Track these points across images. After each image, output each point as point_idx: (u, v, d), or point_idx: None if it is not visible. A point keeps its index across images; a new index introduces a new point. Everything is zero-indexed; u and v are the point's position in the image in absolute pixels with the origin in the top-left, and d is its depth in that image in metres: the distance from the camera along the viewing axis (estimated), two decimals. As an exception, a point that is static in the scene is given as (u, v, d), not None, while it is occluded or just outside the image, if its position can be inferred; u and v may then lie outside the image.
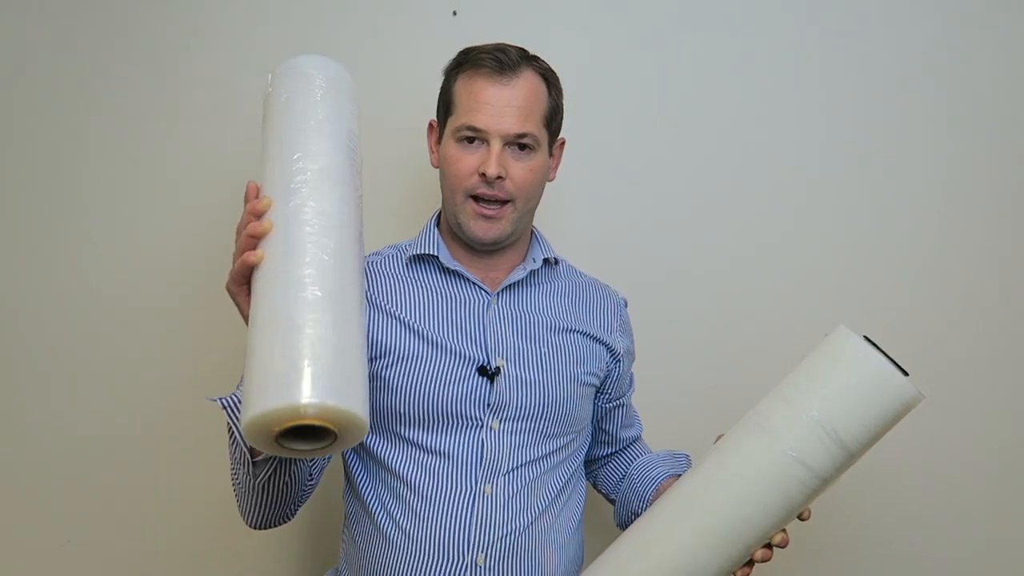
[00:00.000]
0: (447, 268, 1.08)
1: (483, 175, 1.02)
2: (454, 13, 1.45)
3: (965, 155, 1.42)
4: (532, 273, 1.11)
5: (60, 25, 1.47)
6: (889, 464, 1.42)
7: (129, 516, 1.48)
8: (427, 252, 1.09)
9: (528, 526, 1.03)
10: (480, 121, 1.02)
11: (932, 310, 1.42)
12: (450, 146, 1.05)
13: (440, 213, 1.15)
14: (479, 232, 1.05)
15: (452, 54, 1.12)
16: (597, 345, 1.13)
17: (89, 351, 1.48)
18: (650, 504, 1.08)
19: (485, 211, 1.04)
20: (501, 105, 1.02)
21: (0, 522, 1.49)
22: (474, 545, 1.00)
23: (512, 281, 1.09)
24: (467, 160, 1.03)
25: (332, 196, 0.87)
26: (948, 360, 1.42)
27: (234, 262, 0.86)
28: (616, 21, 1.45)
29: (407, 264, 1.10)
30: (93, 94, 1.47)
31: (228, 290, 0.88)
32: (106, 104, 1.47)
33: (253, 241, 0.84)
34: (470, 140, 1.03)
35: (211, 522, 1.47)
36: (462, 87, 1.05)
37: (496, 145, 1.02)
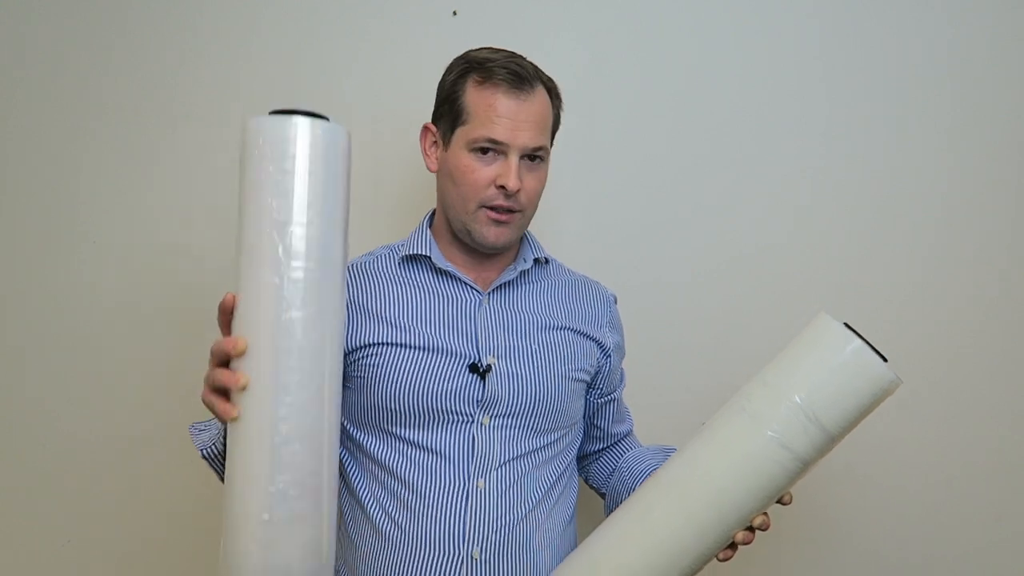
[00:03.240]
0: (439, 268, 1.10)
1: (502, 187, 1.04)
2: (454, 13, 1.45)
3: (966, 156, 1.42)
4: (523, 273, 1.13)
5: (60, 26, 1.47)
6: (888, 464, 1.43)
7: (129, 516, 1.48)
8: (419, 252, 1.10)
9: (522, 519, 1.05)
10: (500, 134, 1.03)
11: (932, 310, 1.42)
12: (463, 156, 1.05)
13: (433, 213, 1.16)
14: (491, 237, 1.07)
15: (452, 54, 1.12)
16: (587, 341, 1.15)
17: (89, 351, 1.48)
18: None
19: (500, 217, 1.06)
20: (520, 119, 1.04)
21: (0, 522, 1.49)
22: (469, 539, 1.01)
23: (503, 281, 1.11)
24: (483, 171, 1.04)
25: (315, 330, 0.77)
26: (948, 360, 1.42)
27: (207, 391, 0.81)
28: (616, 21, 1.45)
29: (399, 264, 1.12)
30: (94, 95, 1.47)
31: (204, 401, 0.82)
32: (106, 105, 1.47)
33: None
34: (484, 152, 1.04)
35: (211, 521, 1.46)
36: (478, 98, 1.05)
37: (514, 158, 1.04)
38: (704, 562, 0.95)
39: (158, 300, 1.47)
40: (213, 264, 1.47)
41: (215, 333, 1.47)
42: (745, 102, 1.44)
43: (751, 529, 0.95)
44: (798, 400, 0.88)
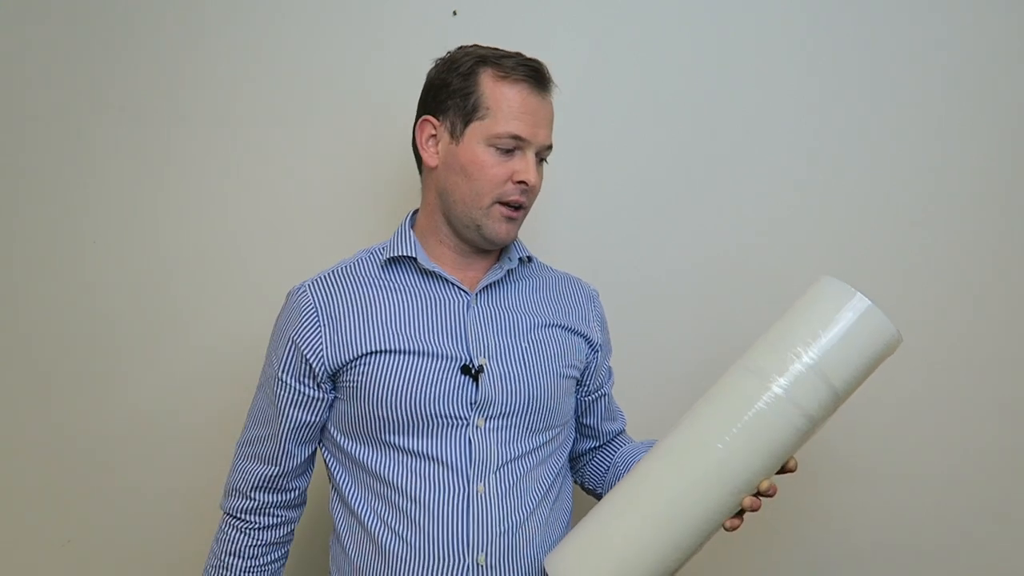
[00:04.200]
0: (424, 269, 1.08)
1: (522, 182, 1.05)
2: (454, 13, 1.45)
3: (966, 156, 1.42)
4: (508, 272, 1.13)
5: (63, 26, 1.47)
6: (888, 463, 1.43)
7: (129, 516, 1.48)
8: (404, 254, 1.08)
9: (524, 521, 1.04)
10: (526, 132, 1.04)
11: (931, 310, 1.42)
12: (479, 151, 1.04)
13: (415, 214, 1.14)
14: (503, 233, 1.07)
15: (452, 54, 1.12)
16: (576, 337, 1.15)
17: (89, 351, 1.48)
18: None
19: (512, 214, 1.07)
20: (540, 117, 1.06)
21: (0, 522, 1.49)
22: (474, 545, 1.00)
23: (491, 280, 1.10)
24: (501, 167, 1.04)
25: None
26: (948, 360, 1.42)
27: None
28: (616, 21, 1.45)
29: (383, 267, 1.10)
30: (95, 95, 1.47)
31: None
32: (108, 105, 1.47)
33: None
34: (508, 149, 1.05)
35: (210, 523, 1.47)
36: (499, 93, 1.04)
37: (531, 154, 1.05)
38: (712, 529, 0.92)
39: (158, 301, 1.47)
40: (214, 264, 1.47)
41: (214, 331, 1.47)
42: (745, 102, 1.44)
43: (758, 496, 0.93)
44: (807, 358, 0.88)
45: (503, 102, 1.04)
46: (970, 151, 1.42)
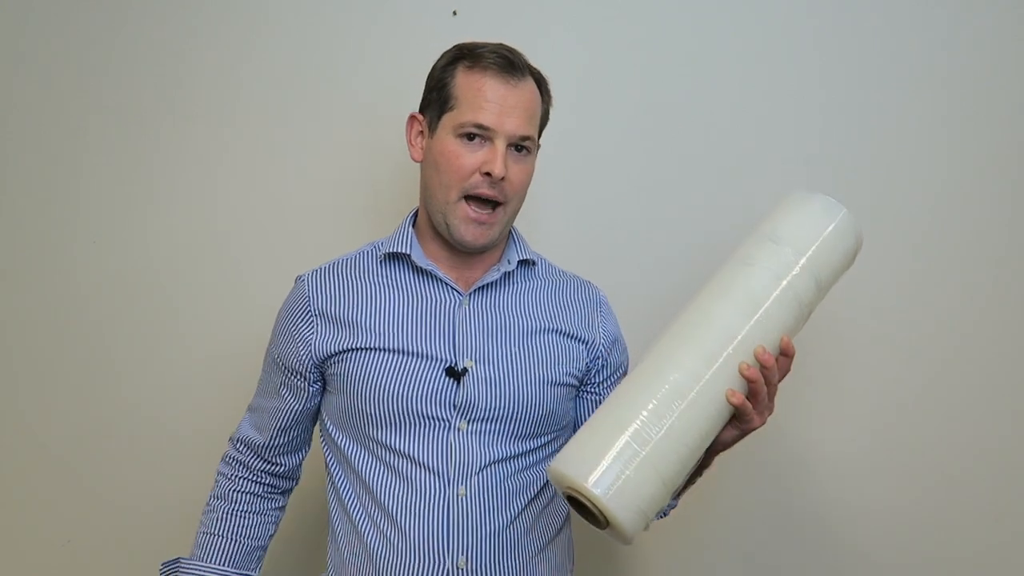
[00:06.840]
0: (419, 267, 1.08)
1: (487, 174, 1.01)
2: (454, 13, 1.45)
3: (964, 153, 1.42)
4: (506, 274, 1.10)
5: (61, 24, 1.47)
6: (888, 464, 1.43)
7: (129, 516, 1.48)
8: (400, 251, 1.08)
9: (508, 525, 1.02)
10: (488, 119, 1.01)
11: (932, 310, 1.42)
12: (448, 142, 1.03)
13: (416, 212, 1.14)
14: (470, 237, 1.04)
15: (452, 54, 1.12)
16: (574, 343, 1.11)
17: (90, 351, 1.48)
18: None
19: (479, 217, 1.04)
20: (508, 105, 1.02)
21: (0, 522, 1.49)
22: (455, 548, 1.00)
23: (485, 282, 1.08)
24: (469, 158, 1.02)
25: None
26: (947, 360, 1.42)
27: None
28: (615, 21, 1.45)
29: (380, 263, 1.10)
30: (94, 95, 1.47)
31: None
32: (108, 104, 1.47)
33: None
34: (471, 137, 1.02)
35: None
36: (467, 83, 1.03)
37: (501, 145, 1.01)
38: (716, 402, 0.90)
39: (159, 300, 1.47)
40: (213, 263, 1.47)
41: (213, 332, 1.47)
42: (745, 102, 1.44)
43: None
44: (791, 251, 0.98)
45: (469, 91, 1.03)
46: (974, 153, 1.42)
